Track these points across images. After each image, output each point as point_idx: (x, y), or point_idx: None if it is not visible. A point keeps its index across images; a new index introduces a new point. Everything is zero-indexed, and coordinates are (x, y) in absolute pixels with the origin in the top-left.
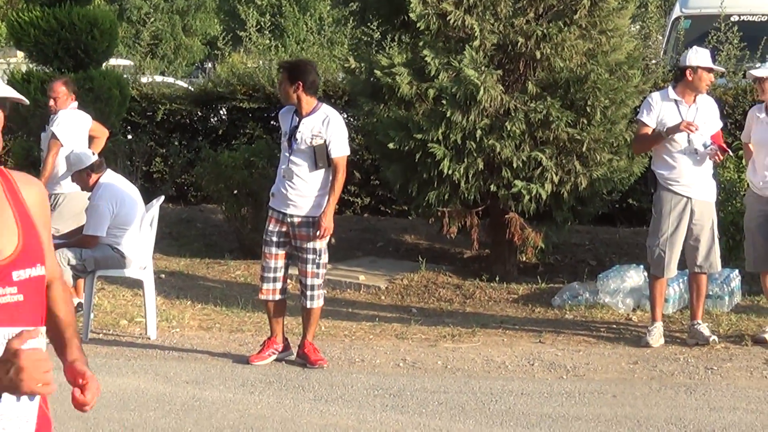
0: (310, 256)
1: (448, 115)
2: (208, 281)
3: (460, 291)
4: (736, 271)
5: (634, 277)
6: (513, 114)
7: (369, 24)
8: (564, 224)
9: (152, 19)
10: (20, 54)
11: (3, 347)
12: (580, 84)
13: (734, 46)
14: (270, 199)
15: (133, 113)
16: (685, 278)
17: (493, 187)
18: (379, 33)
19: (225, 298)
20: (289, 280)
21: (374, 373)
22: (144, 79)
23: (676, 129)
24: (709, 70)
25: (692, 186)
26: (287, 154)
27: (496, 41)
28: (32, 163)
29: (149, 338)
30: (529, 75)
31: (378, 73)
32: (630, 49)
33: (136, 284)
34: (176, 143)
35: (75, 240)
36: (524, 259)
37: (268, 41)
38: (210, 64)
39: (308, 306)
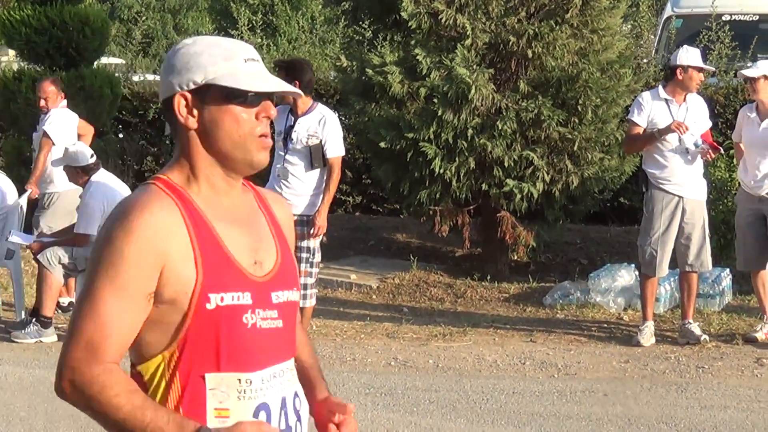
0: (304, 255)
1: (439, 113)
2: None
3: (452, 290)
4: (727, 270)
5: (625, 276)
6: (504, 113)
7: (361, 23)
8: (555, 223)
9: (144, 18)
10: (12, 52)
11: (268, 384)
12: (571, 83)
13: (725, 46)
14: None
15: (124, 112)
16: (676, 277)
17: (484, 186)
18: (370, 32)
19: None
20: None
21: (365, 372)
22: (135, 78)
23: (667, 130)
24: (699, 69)
25: (684, 185)
26: (282, 154)
27: (488, 40)
28: (23, 162)
29: None
30: (521, 74)
31: (370, 71)
32: (621, 49)
33: None
34: (168, 142)
35: (66, 238)
36: (516, 258)
37: (260, 40)
38: None
39: (301, 305)
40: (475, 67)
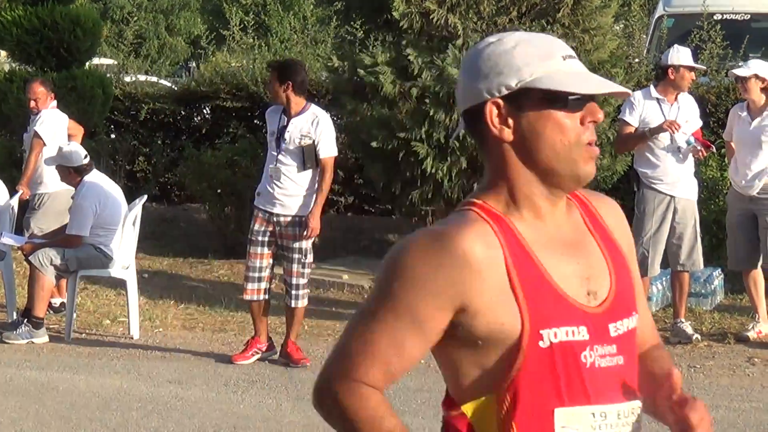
0: (296, 256)
1: (431, 113)
2: (191, 281)
3: None
4: (719, 269)
5: None
6: None
7: (352, 23)
8: None
9: (136, 18)
10: (3, 53)
11: (624, 421)
12: None
13: (717, 45)
14: (255, 198)
15: (116, 112)
16: (668, 276)
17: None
18: (362, 32)
19: (208, 298)
20: (273, 280)
21: None
22: (127, 78)
23: (659, 129)
24: (691, 68)
25: (675, 184)
26: (275, 154)
27: (479, 40)
28: (15, 163)
29: (132, 338)
30: None
31: (361, 72)
32: (613, 48)
33: (119, 284)
34: (159, 142)
35: (58, 239)
36: None
37: (251, 40)
38: (194, 63)
39: (293, 306)
40: None
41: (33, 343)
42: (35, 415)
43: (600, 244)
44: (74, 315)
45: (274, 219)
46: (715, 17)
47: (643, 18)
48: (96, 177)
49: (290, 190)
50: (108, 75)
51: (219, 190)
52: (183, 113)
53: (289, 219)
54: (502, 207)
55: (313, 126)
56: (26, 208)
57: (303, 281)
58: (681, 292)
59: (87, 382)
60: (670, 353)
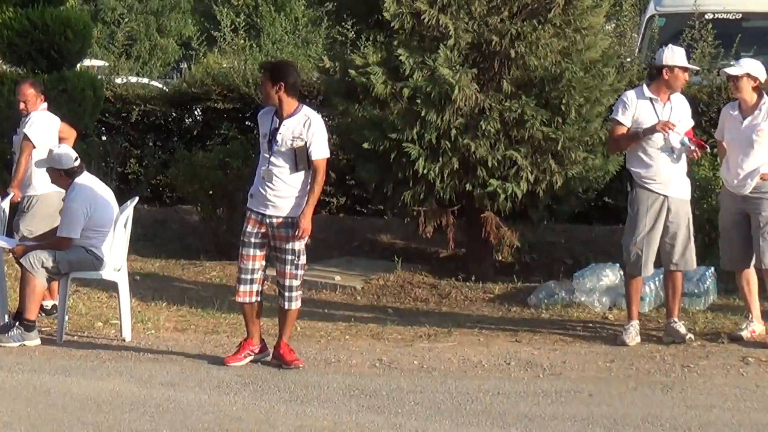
0: (289, 257)
1: (422, 114)
2: (184, 282)
3: (436, 291)
4: (712, 269)
5: (610, 275)
6: (488, 113)
7: (343, 23)
8: (540, 223)
9: (126, 20)
10: None
11: None
12: (554, 82)
13: (708, 44)
14: (248, 200)
15: (107, 114)
16: (661, 276)
17: (468, 187)
18: (353, 32)
19: (200, 300)
20: (265, 282)
21: (350, 374)
22: (118, 80)
23: (652, 130)
24: (685, 69)
25: (669, 184)
26: (267, 156)
27: (471, 40)
28: (5, 166)
29: (124, 340)
30: (504, 74)
31: (352, 72)
32: (605, 48)
33: (110, 286)
34: (151, 144)
35: (49, 242)
36: (500, 258)
37: (242, 41)
38: (185, 65)
39: (286, 307)
40: (458, 67)
41: (25, 345)
42: (27, 418)
43: None
44: (66, 317)
45: (267, 221)
46: (706, 16)
47: (635, 17)
48: (87, 179)
49: (282, 192)
50: (99, 77)
51: (211, 192)
52: (174, 115)
53: (281, 220)
54: None
55: (305, 127)
56: (17, 210)
57: (296, 283)
58: (674, 291)
59: (79, 385)
60: (664, 353)
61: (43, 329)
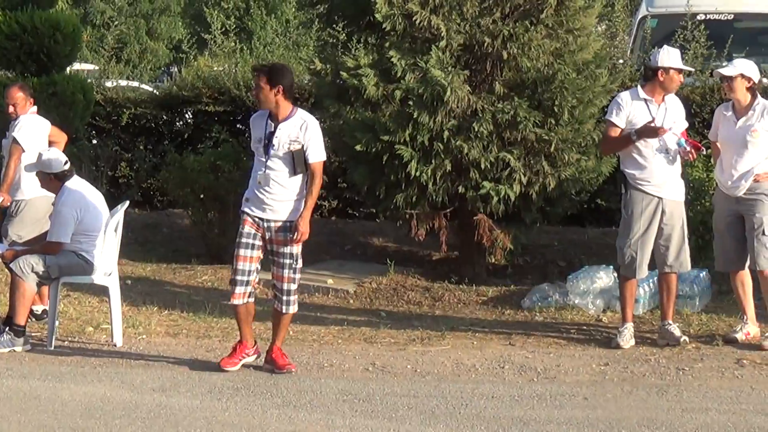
0: (287, 261)
1: (415, 116)
2: (175, 287)
3: (429, 294)
4: (706, 270)
5: (604, 278)
6: (480, 115)
7: (335, 26)
8: (533, 225)
9: (116, 23)
10: None
11: None
12: (547, 84)
13: (701, 45)
14: (243, 203)
15: (97, 118)
16: (655, 278)
17: (461, 189)
18: (344, 34)
19: (192, 304)
20: (258, 285)
21: (343, 378)
22: (108, 84)
23: (647, 133)
24: (680, 70)
25: (663, 186)
26: (263, 160)
27: (463, 41)
28: None
29: (115, 345)
30: (496, 75)
31: (344, 74)
32: (597, 49)
33: (101, 291)
34: (141, 147)
35: (39, 246)
36: (493, 260)
37: (233, 44)
38: (175, 68)
39: (283, 311)
40: (450, 68)
41: (15, 351)
42: (17, 425)
43: None
44: (56, 322)
45: (265, 224)
46: (698, 17)
47: (627, 18)
48: (77, 183)
49: (280, 196)
50: (89, 80)
51: (202, 195)
52: (165, 118)
53: (279, 224)
54: None
55: (302, 131)
56: (5, 215)
57: (294, 287)
58: (669, 293)
59: (70, 391)
60: (659, 356)
61: (33, 334)
